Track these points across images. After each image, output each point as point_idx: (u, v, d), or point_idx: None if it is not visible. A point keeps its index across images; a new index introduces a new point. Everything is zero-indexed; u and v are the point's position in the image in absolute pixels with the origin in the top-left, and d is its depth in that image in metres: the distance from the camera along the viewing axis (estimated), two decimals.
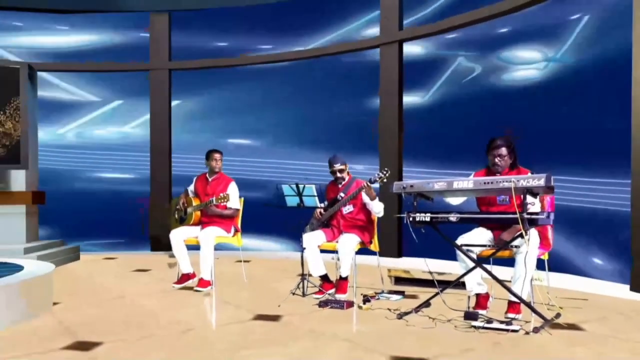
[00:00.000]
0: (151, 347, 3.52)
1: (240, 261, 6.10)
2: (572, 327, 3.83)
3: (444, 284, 4.33)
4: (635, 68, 5.13)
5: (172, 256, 6.01)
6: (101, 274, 6.93)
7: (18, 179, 7.54)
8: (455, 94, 7.32)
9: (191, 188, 5.82)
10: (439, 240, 4.03)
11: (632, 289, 5.12)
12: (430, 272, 4.51)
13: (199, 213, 5.61)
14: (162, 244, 8.93)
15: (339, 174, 4.99)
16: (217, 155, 5.59)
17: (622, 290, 5.18)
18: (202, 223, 5.61)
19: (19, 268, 4.86)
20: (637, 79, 5.11)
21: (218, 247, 5.52)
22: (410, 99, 7.74)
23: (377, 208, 4.89)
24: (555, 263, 5.20)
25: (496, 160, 4.11)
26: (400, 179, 7.48)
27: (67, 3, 8.88)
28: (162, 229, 8.90)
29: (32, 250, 7.31)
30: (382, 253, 6.21)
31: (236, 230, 5.57)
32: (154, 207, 9.07)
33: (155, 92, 9.11)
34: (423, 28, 7.51)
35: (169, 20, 9.08)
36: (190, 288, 5.47)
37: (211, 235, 5.30)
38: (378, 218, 5.08)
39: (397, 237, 7.37)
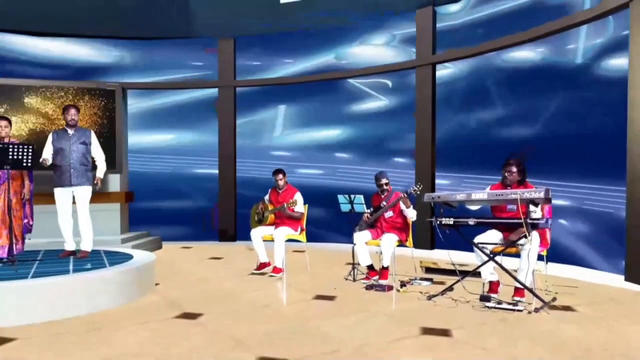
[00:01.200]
0: (240, 318, 4.43)
1: (301, 251, 6.95)
2: (566, 308, 4.56)
3: (464, 273, 5.10)
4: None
5: (250, 248, 6.86)
6: (183, 260, 7.80)
7: (114, 182, 8.59)
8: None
9: (267, 197, 6.67)
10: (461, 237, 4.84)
11: (626, 279, 5.70)
12: (453, 264, 5.30)
13: (273, 216, 6.50)
14: (227, 236, 9.90)
15: (384, 187, 5.83)
16: (280, 176, 6.45)
17: (617, 280, 5.79)
18: (275, 224, 6.47)
19: (129, 257, 5.84)
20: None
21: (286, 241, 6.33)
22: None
23: (411, 214, 5.71)
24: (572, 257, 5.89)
25: (506, 174, 4.86)
26: (433, 185, 8.24)
27: (152, 31, 9.78)
28: (227, 223, 9.89)
29: (127, 241, 8.36)
30: (418, 246, 7.05)
31: (302, 229, 6.41)
32: (222, 204, 9.97)
33: (223, 105, 10.02)
34: (452, 52, 8.15)
35: (234, 45, 9.96)
36: (264, 274, 6.39)
37: (283, 233, 6.18)
38: (413, 220, 5.88)
39: (430, 234, 8.08)
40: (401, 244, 5.80)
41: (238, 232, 9.85)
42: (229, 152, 10.02)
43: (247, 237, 6.63)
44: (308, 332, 3.97)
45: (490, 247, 4.82)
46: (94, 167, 5.90)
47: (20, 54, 9.46)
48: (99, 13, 8.84)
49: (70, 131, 5.66)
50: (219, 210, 9.96)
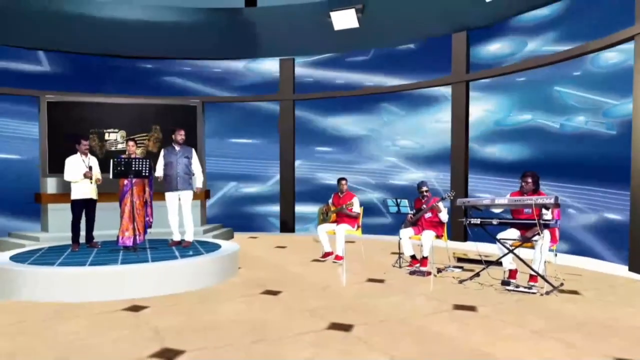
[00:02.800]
0: (310, 295, 5.35)
1: (352, 242, 7.84)
2: (573, 292, 5.31)
3: (489, 262, 5.91)
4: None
5: (317, 240, 7.77)
6: (254, 248, 8.73)
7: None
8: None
9: (330, 200, 7.56)
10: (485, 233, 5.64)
11: (630, 270, 6.28)
12: (480, 255, 6.11)
13: (335, 215, 7.40)
14: (288, 227, 10.89)
15: (424, 193, 6.67)
16: (343, 182, 7.35)
17: (622, 270, 6.40)
18: (337, 221, 7.37)
19: (218, 246, 6.84)
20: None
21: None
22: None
23: (443, 217, 6.51)
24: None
25: (523, 184, 5.63)
26: (466, 189, 8.98)
27: (226, 53, 10.85)
28: (288, 216, 10.87)
29: (207, 232, 9.43)
30: (453, 239, 7.85)
31: (358, 226, 7.30)
32: (283, 200, 10.95)
33: (283, 116, 10.98)
34: (484, 72, 8.83)
35: (293, 64, 10.91)
36: (323, 261, 7.33)
37: (343, 228, 7.11)
38: (448, 219, 6.67)
39: (463, 229, 8.73)
40: (438, 238, 6.60)
41: (296, 224, 10.85)
42: (288, 156, 10.95)
43: (304, 229, 7.53)
44: (363, 306, 4.87)
45: (510, 242, 5.57)
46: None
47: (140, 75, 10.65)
48: (185, 39, 9.93)
49: (177, 148, 6.77)
50: (280, 205, 10.93)
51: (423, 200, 6.64)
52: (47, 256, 6.10)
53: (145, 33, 9.60)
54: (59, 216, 8.51)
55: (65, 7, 8.77)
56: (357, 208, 7.22)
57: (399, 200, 6.66)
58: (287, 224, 10.86)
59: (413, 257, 6.72)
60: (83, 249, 6.62)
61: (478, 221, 5.56)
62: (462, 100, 9.08)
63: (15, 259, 5.91)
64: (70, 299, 5.08)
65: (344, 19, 8.92)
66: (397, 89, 10.03)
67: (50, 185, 9.01)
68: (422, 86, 9.71)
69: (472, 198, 5.73)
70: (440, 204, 6.43)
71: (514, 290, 5.29)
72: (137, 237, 6.36)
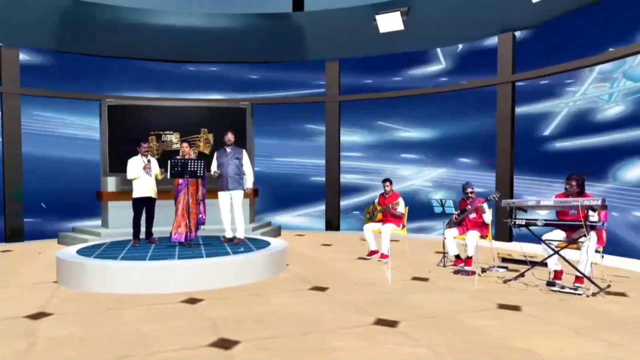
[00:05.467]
0: (356, 291, 5.50)
1: (396, 241, 7.95)
2: (620, 294, 5.24)
3: (534, 263, 5.89)
4: None
5: (363, 239, 7.91)
6: (300, 246, 8.92)
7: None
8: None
9: (376, 200, 7.69)
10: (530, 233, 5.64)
11: None
12: (525, 255, 6.11)
13: (381, 215, 7.53)
14: (333, 226, 11.07)
15: (469, 195, 6.71)
16: (387, 183, 7.47)
17: None
18: (382, 221, 7.50)
19: (267, 243, 7.09)
20: None
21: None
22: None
23: (486, 219, 6.54)
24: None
25: (567, 187, 5.59)
26: (511, 190, 8.91)
27: (274, 56, 11.14)
28: (333, 215, 11.05)
29: (256, 229, 9.71)
30: (498, 239, 7.83)
31: (403, 226, 7.40)
32: (328, 199, 11.11)
33: (330, 116, 11.17)
34: (531, 73, 8.76)
35: (338, 66, 11.07)
36: (369, 259, 7.46)
37: (388, 228, 7.23)
38: (493, 219, 6.68)
39: (508, 229, 8.69)
40: (482, 238, 6.63)
41: (341, 222, 11.01)
42: (334, 155, 11.13)
43: (349, 227, 7.65)
44: (408, 303, 4.98)
45: (555, 243, 5.56)
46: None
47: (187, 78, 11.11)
48: (235, 44, 10.28)
49: (228, 149, 7.07)
50: (325, 204, 11.11)
51: (468, 201, 6.68)
52: (110, 251, 6.49)
53: (199, 39, 9.98)
54: (118, 213, 8.99)
55: (129, 17, 9.22)
56: (402, 208, 7.32)
57: (443, 201, 6.73)
58: (332, 223, 11.04)
59: (457, 256, 6.77)
60: (143, 244, 7.00)
61: (523, 222, 5.57)
62: (508, 100, 9.03)
63: (81, 252, 6.32)
64: (132, 291, 5.42)
65: (390, 22, 9.01)
66: (444, 89, 10.04)
67: (111, 183, 9.49)
68: (467, 87, 9.69)
69: (517, 200, 5.73)
70: (485, 205, 6.45)
71: (559, 291, 5.28)
72: (189, 233, 6.68)
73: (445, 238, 6.71)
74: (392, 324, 4.27)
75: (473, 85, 9.60)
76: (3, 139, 9.49)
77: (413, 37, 9.64)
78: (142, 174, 6.93)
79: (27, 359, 3.53)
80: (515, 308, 4.73)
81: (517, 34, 9.04)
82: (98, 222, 10.03)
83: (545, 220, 5.57)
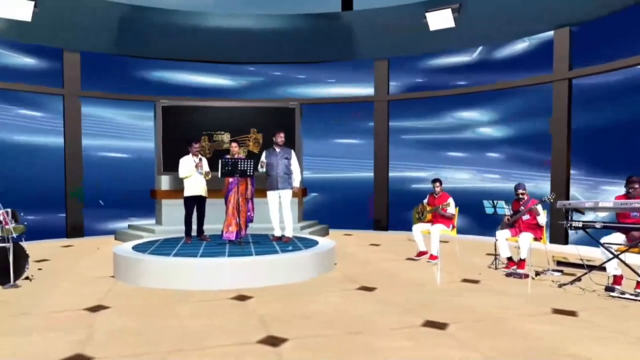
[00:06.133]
0: (405, 292, 5.45)
1: (445, 242, 7.83)
2: None
3: (591, 267, 5.66)
4: None
5: (411, 239, 7.81)
6: (348, 245, 8.91)
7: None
8: None
9: (425, 201, 7.56)
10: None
11: None
12: (582, 259, 5.88)
13: (430, 215, 7.41)
14: (381, 226, 11.00)
15: (520, 195, 6.52)
16: (437, 184, 7.32)
17: None
18: (432, 221, 7.37)
19: (315, 242, 7.13)
20: None
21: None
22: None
23: (540, 221, 6.32)
24: None
25: (630, 190, 5.35)
26: (567, 191, 8.59)
27: (323, 56, 11.19)
28: (381, 214, 10.99)
29: (304, 228, 9.79)
30: (553, 241, 7.58)
31: (453, 226, 7.26)
32: (376, 198, 11.04)
33: (378, 116, 11.11)
34: (589, 69, 8.42)
35: (387, 65, 10.99)
36: (417, 260, 7.37)
37: (438, 228, 7.12)
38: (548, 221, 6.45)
39: (564, 232, 8.40)
40: (536, 240, 6.41)
41: (390, 222, 10.92)
42: (383, 155, 11.06)
43: (398, 227, 7.57)
44: (458, 305, 4.89)
45: (615, 246, 5.31)
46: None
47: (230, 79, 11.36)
48: (284, 44, 10.39)
49: (278, 149, 7.15)
50: (373, 203, 11.05)
51: (521, 203, 6.49)
52: (164, 247, 6.70)
53: (248, 40, 10.14)
54: (171, 211, 9.25)
55: (182, 20, 9.48)
56: (452, 209, 7.18)
57: (495, 202, 6.56)
58: (381, 222, 10.97)
59: (510, 259, 6.59)
60: (194, 241, 7.19)
61: (580, 224, 5.37)
62: (564, 98, 8.72)
63: (137, 248, 6.56)
64: (184, 287, 5.57)
65: (440, 19, 8.86)
66: (496, 87, 9.81)
67: (164, 182, 9.80)
68: (521, 84, 9.42)
69: (574, 201, 5.52)
70: (539, 207, 6.25)
71: (619, 297, 5.05)
72: (240, 231, 6.80)
73: (497, 240, 6.55)
74: (441, 326, 4.21)
75: (527, 82, 9.31)
76: (65, 140, 9.94)
77: (464, 35, 9.45)
78: (194, 173, 7.10)
79: (86, 349, 3.69)
80: (571, 313, 4.56)
81: (574, 28, 8.70)
82: (152, 219, 10.36)
83: (604, 222, 5.33)
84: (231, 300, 5.11)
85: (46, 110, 9.91)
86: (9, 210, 5.82)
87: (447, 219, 7.21)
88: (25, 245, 5.88)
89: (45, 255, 7.88)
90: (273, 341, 3.86)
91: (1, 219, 5.75)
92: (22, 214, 6.31)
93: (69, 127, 9.98)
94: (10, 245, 5.55)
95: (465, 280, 5.99)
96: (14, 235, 5.67)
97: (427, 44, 10.07)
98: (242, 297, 5.21)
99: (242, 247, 6.56)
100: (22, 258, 5.81)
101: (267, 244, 6.99)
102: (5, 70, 9.40)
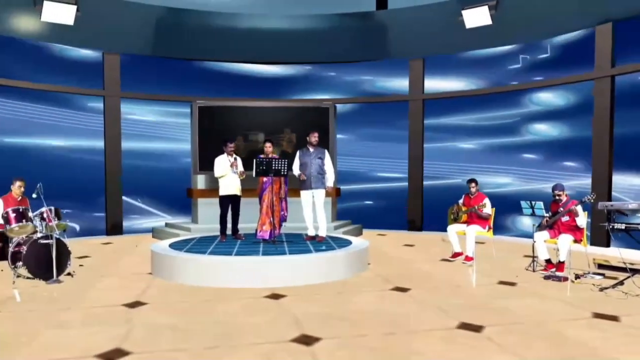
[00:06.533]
0: (440, 293, 5.38)
1: (482, 243, 7.71)
2: None
3: (634, 271, 5.46)
4: None
5: (445, 240, 7.74)
6: (382, 245, 8.84)
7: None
8: None
9: (460, 201, 7.43)
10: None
11: None
12: (624, 262, 5.68)
13: (465, 216, 7.29)
14: (415, 226, 10.89)
15: (557, 197, 6.37)
16: (472, 184, 7.20)
17: None
18: (467, 222, 7.25)
19: (349, 242, 7.10)
20: None
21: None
22: None
23: (580, 222, 6.16)
24: None
25: None
26: (610, 192, 8.31)
27: (357, 56, 11.19)
28: (415, 215, 10.89)
29: (338, 228, 9.78)
30: (595, 243, 7.38)
31: (489, 227, 7.14)
32: (411, 199, 10.94)
33: (413, 115, 11.00)
34: (632, 66, 8.14)
35: (422, 64, 10.88)
36: (452, 261, 7.27)
37: (473, 229, 7.02)
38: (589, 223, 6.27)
39: (606, 233, 8.04)
40: (576, 242, 6.25)
41: (424, 223, 10.81)
42: (417, 154, 10.94)
43: (432, 228, 7.51)
44: (494, 307, 4.80)
45: None
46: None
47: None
48: (319, 45, 10.42)
49: (311, 149, 7.17)
50: (408, 204, 10.96)
51: (560, 204, 6.33)
52: (199, 245, 6.81)
53: (282, 40, 10.20)
54: (207, 209, 9.38)
55: (217, 21, 9.61)
56: (488, 209, 7.05)
57: (533, 203, 6.41)
58: (415, 223, 10.87)
59: (548, 261, 6.43)
60: (229, 240, 7.28)
61: (623, 226, 5.20)
62: (607, 95, 8.46)
63: (173, 246, 6.68)
64: (218, 284, 5.65)
65: (477, 17, 8.71)
66: (537, 84, 9.60)
67: (200, 181, 9.96)
68: (562, 82, 9.18)
69: (616, 202, 5.34)
70: (579, 208, 6.08)
71: None
72: (274, 231, 6.85)
73: (535, 241, 6.40)
74: (477, 328, 4.14)
75: (567, 80, 9.08)
76: (105, 140, 10.22)
77: (501, 32, 9.27)
78: (229, 172, 7.19)
79: (124, 344, 3.79)
80: (613, 318, 4.42)
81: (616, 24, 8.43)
82: (189, 218, 10.53)
83: None
84: (265, 299, 5.15)
85: (86, 110, 10.19)
86: (52, 208, 6.03)
87: (483, 220, 7.08)
88: (67, 242, 6.08)
89: (86, 252, 8.11)
90: (307, 340, 3.87)
91: (45, 216, 5.96)
92: (64, 212, 6.51)
93: (109, 128, 10.25)
94: (53, 242, 5.73)
95: (501, 283, 5.88)
96: (57, 232, 5.86)
97: (463, 42, 9.92)
98: (275, 296, 5.24)
99: (275, 246, 6.61)
100: (64, 254, 6.01)
101: (300, 243, 7.02)
102: (50, 72, 9.71)
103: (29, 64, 9.55)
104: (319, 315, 4.56)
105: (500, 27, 8.94)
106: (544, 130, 9.62)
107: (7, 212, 5.96)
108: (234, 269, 5.77)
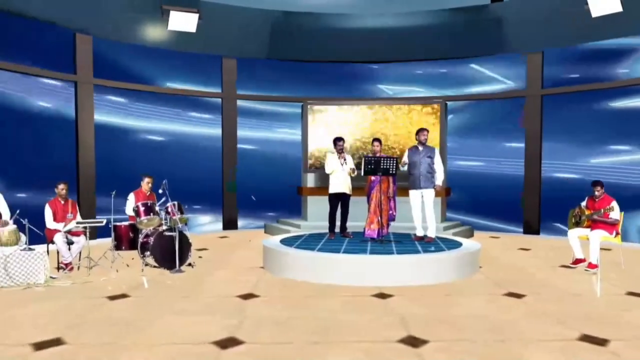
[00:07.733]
0: (558, 302, 5.02)
1: (607, 249, 7.10)
2: None
3: None
4: None
5: (566, 245, 7.25)
6: (494, 249, 8.47)
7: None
8: None
9: (583, 203, 6.83)
10: None
11: None
12: None
13: (588, 220, 6.72)
14: (532, 229, 10.27)
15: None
16: (598, 187, 6.56)
17: None
18: (591, 226, 6.64)
19: (459, 244, 6.87)
20: None
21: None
22: None
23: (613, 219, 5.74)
24: None
25: None
26: None
27: (470, 51, 10.83)
28: (532, 217, 10.28)
29: (447, 229, 9.52)
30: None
31: (617, 233, 6.51)
32: (527, 200, 10.31)
33: (530, 113, 10.36)
34: None
35: (542, 58, 10.20)
36: (573, 268, 6.75)
37: (598, 234, 6.44)
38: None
39: None
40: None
41: (541, 226, 10.18)
42: (534, 153, 10.32)
43: (550, 232, 7.09)
44: (621, 320, 4.40)
45: None
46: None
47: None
48: (430, 41, 10.23)
49: (421, 148, 7.05)
50: (524, 206, 10.38)
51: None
52: (309, 242, 6.98)
53: (393, 38, 10.15)
54: (316, 207, 9.60)
55: (330, 22, 9.79)
56: (616, 214, 6.44)
57: None
58: (531, 226, 10.27)
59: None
60: (337, 238, 7.37)
61: None
62: None
63: (284, 242, 6.91)
64: (326, 281, 5.75)
65: (605, 4, 8.01)
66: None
67: (310, 180, 10.21)
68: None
69: None
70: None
71: None
72: (382, 230, 6.83)
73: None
74: (601, 342, 3.83)
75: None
76: (223, 139, 10.84)
77: (633, 19, 8.44)
78: (339, 170, 7.26)
79: (238, 333, 4.00)
80: None
81: None
82: (299, 215, 10.84)
83: None
84: (372, 298, 5.16)
85: (205, 111, 10.87)
86: (175, 202, 6.51)
87: (609, 225, 6.50)
88: (189, 234, 6.54)
89: (204, 244, 8.66)
90: (413, 342, 3.82)
91: (169, 210, 6.47)
92: (186, 207, 7.01)
93: (226, 128, 10.86)
94: (176, 234, 6.21)
95: (630, 294, 5.37)
96: (180, 225, 6.34)
97: (587, 32, 9.18)
98: (382, 295, 5.23)
99: (383, 245, 6.59)
100: (186, 246, 6.48)
101: (408, 243, 6.93)
102: (173, 77, 10.50)
103: (159, 70, 10.35)
104: (427, 317, 4.48)
105: (631, 14, 8.15)
106: None
107: (137, 206, 6.56)
108: (341, 267, 5.85)
